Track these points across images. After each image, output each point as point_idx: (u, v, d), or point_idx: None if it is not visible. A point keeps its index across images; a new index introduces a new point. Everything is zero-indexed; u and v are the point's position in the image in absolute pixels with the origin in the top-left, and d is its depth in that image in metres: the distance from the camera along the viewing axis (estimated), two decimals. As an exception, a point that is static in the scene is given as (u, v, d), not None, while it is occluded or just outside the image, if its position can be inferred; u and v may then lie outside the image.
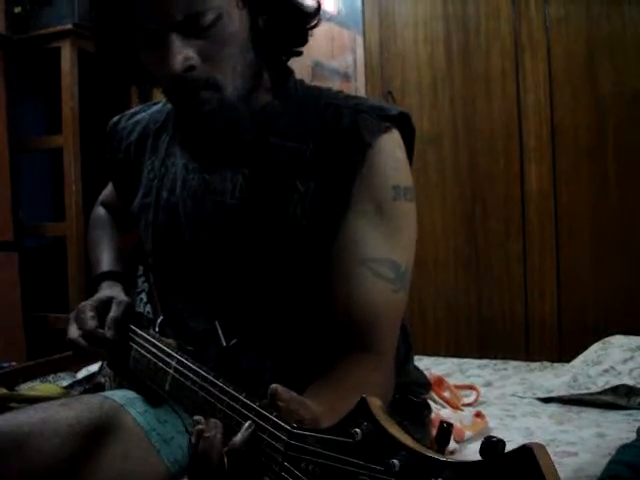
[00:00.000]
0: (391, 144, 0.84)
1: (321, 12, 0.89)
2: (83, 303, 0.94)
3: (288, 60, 0.92)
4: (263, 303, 0.86)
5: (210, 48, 0.79)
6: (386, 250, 0.81)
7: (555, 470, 0.35)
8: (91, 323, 0.90)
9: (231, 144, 0.87)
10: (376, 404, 0.41)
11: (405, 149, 0.87)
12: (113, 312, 0.92)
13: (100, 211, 1.19)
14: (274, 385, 0.57)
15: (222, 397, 0.63)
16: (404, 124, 0.87)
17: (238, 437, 0.58)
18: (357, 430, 0.41)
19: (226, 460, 0.58)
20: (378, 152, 0.82)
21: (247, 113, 0.85)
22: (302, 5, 0.87)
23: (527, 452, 0.35)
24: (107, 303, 0.94)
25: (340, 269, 0.82)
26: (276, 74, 0.90)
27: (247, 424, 0.58)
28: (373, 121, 0.83)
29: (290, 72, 0.92)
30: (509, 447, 0.37)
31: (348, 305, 0.81)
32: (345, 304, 0.81)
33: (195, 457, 0.60)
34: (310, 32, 0.89)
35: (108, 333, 0.89)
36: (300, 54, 0.92)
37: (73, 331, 0.91)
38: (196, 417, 0.62)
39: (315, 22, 0.89)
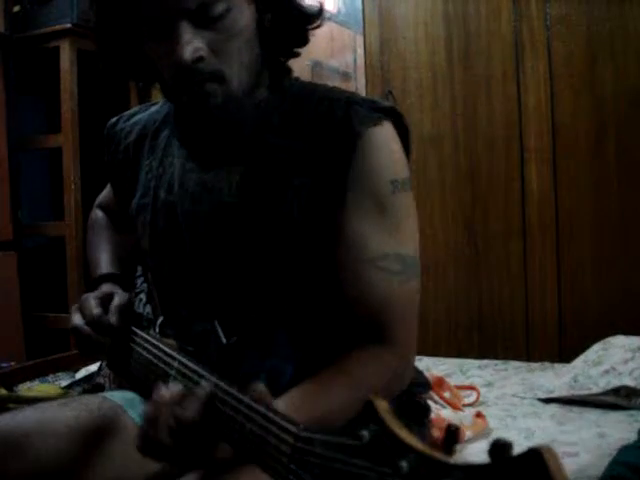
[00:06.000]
0: (384, 135, 0.84)
1: (324, 14, 0.90)
2: (86, 294, 0.93)
3: (287, 61, 0.92)
4: (263, 300, 0.86)
5: (219, 40, 0.79)
6: (392, 245, 0.83)
7: (564, 474, 0.35)
8: (95, 311, 0.89)
9: (230, 140, 0.87)
10: (383, 406, 0.41)
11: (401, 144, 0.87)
12: (117, 301, 0.91)
13: (98, 214, 1.18)
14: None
15: (225, 399, 0.63)
16: (397, 120, 0.87)
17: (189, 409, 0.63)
18: (364, 432, 0.40)
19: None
20: (369, 142, 0.82)
21: (250, 108, 0.85)
22: (306, 6, 0.88)
23: (536, 455, 0.35)
24: (110, 295, 0.93)
25: (349, 271, 0.83)
26: (275, 73, 0.90)
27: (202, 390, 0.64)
28: (365, 112, 0.83)
29: (289, 71, 0.92)
30: (510, 448, 0.36)
31: (360, 303, 0.82)
32: (357, 303, 0.83)
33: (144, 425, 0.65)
34: (311, 33, 0.90)
35: (112, 319, 0.88)
36: (299, 55, 0.92)
37: (77, 319, 0.90)
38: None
39: (318, 23, 0.89)
